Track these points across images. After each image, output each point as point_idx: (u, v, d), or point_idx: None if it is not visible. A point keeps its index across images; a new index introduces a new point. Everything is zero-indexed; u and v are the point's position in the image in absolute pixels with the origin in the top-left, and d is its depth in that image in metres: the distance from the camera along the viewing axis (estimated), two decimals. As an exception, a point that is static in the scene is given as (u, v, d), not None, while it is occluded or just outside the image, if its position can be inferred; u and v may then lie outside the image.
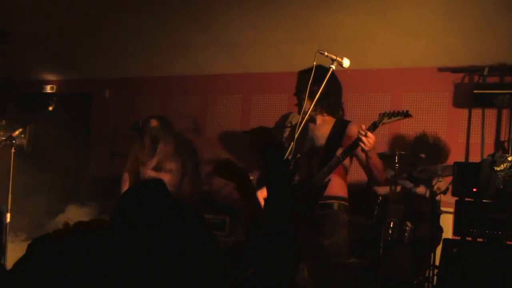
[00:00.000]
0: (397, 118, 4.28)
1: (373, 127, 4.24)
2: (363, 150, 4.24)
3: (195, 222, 2.21)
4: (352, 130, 4.52)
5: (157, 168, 5.92)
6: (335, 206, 4.56)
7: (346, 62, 4.25)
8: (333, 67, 4.20)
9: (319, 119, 4.66)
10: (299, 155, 5.58)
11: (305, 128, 4.60)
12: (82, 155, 8.97)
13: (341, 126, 4.61)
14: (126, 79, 9.21)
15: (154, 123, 5.87)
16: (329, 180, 4.39)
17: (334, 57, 4.20)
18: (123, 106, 9.02)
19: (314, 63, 4.15)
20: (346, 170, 4.68)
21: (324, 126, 4.65)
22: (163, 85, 8.94)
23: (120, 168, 6.38)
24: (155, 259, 2.08)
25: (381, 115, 4.30)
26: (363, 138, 4.18)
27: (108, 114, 9.13)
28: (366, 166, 4.46)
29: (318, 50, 4.16)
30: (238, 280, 2.44)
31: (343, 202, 4.62)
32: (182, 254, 2.10)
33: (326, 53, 4.19)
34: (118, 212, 2.20)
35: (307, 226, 4.37)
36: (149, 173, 5.95)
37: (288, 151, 4.05)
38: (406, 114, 4.28)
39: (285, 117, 7.85)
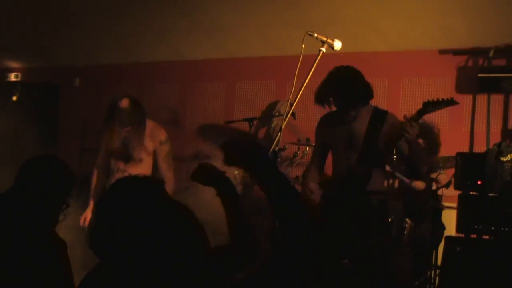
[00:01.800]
0: (442, 106, 4.40)
1: (417, 117, 4.36)
2: (407, 141, 4.36)
3: (186, 221, 2.26)
4: (392, 119, 4.66)
5: (126, 158, 5.89)
6: (375, 201, 4.65)
7: (337, 45, 4.28)
8: (323, 49, 4.21)
9: (353, 111, 4.68)
10: (285, 145, 5.65)
11: (340, 120, 4.74)
12: (48, 150, 8.94)
13: (379, 116, 4.69)
14: (98, 67, 9.18)
15: (125, 103, 5.84)
16: (371, 171, 4.53)
17: (325, 39, 4.22)
18: (94, 96, 8.99)
19: (303, 46, 4.16)
20: (382, 161, 4.79)
21: (361, 117, 4.69)
22: (139, 73, 8.92)
23: (92, 165, 6.36)
24: (142, 261, 2.13)
25: (425, 103, 4.39)
26: (408, 128, 4.29)
27: (78, 105, 9.10)
28: (408, 157, 4.58)
29: (307, 32, 4.18)
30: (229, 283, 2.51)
31: (384, 196, 4.74)
32: (171, 256, 2.16)
33: (315, 35, 4.20)
34: (100, 214, 2.26)
35: (349, 223, 4.49)
36: (119, 165, 5.93)
37: (275, 142, 4.06)
38: (452, 102, 4.38)
39: (272, 106, 7.85)
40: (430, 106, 4.37)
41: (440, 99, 4.38)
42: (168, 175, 5.94)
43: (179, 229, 2.18)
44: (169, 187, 5.89)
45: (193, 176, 2.79)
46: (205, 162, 2.82)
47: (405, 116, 4.40)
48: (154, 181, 2.35)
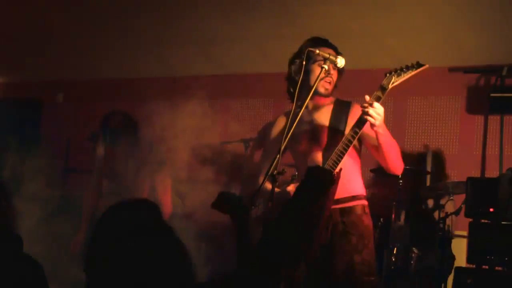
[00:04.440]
0: (408, 73, 4.10)
1: (378, 97, 4.06)
2: (372, 126, 4.01)
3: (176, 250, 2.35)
4: (358, 109, 4.20)
5: (117, 180, 5.90)
6: (358, 209, 4.33)
7: (340, 62, 4.27)
8: (326, 67, 4.21)
9: (311, 103, 4.45)
10: (284, 169, 5.50)
11: (294, 116, 4.32)
12: (30, 170, 8.93)
13: (343, 106, 4.45)
14: (83, 82, 9.20)
15: (118, 120, 5.87)
16: (341, 169, 4.10)
17: (327, 55, 4.21)
18: (79, 114, 9.00)
19: (303, 63, 4.19)
20: (358, 158, 4.43)
21: (321, 108, 4.47)
22: (127, 89, 8.93)
23: (76, 186, 6.36)
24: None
25: (388, 74, 4.13)
26: (370, 110, 3.97)
27: (61, 123, 9.10)
28: (379, 149, 4.18)
29: (308, 48, 4.21)
30: None
31: (364, 202, 4.39)
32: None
33: (317, 51, 4.21)
34: (96, 240, 2.35)
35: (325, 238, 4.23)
36: (112, 187, 5.93)
37: (274, 165, 4.05)
38: (419, 65, 4.10)
39: (269, 126, 7.86)
40: (394, 75, 4.09)
41: (405, 65, 4.10)
42: (164, 198, 5.92)
43: (171, 257, 2.25)
44: (166, 211, 5.88)
45: (214, 205, 3.15)
46: (224, 191, 3.16)
47: (365, 98, 4.05)
48: (150, 205, 2.43)
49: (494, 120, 6.93)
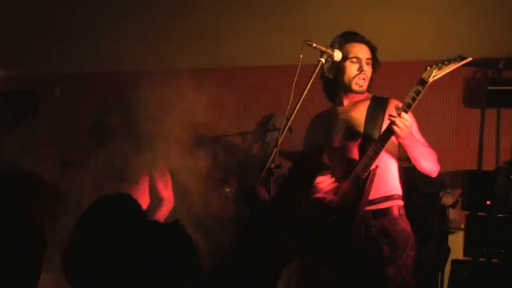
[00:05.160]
0: (450, 66, 3.93)
1: (407, 106, 3.92)
2: (397, 137, 3.93)
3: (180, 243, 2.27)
4: (394, 106, 4.10)
5: (117, 179, 5.85)
6: (393, 211, 4.14)
7: (337, 55, 4.27)
8: (323, 60, 4.20)
9: (346, 100, 4.42)
10: (282, 162, 5.46)
11: (330, 113, 4.47)
12: (27, 164, 8.92)
13: (379, 102, 4.36)
14: (81, 75, 9.18)
15: (116, 120, 5.82)
16: (377, 167, 4.02)
17: (324, 49, 4.20)
18: (77, 107, 8.98)
19: (300, 56, 4.17)
20: (396, 154, 4.28)
21: (357, 105, 4.39)
22: (125, 81, 8.90)
23: (73, 180, 6.34)
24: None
25: (428, 68, 3.97)
26: (397, 120, 3.86)
27: (59, 117, 9.08)
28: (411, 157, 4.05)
29: (305, 41, 4.18)
30: None
31: (399, 202, 4.20)
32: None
33: (314, 44, 4.20)
34: (79, 232, 2.29)
35: (355, 243, 4.04)
36: (107, 185, 5.89)
37: (271, 159, 4.03)
38: (461, 58, 3.92)
39: (267, 119, 7.85)
40: (436, 69, 3.93)
41: (441, 61, 3.94)
42: (165, 194, 5.85)
43: (162, 252, 2.19)
44: (168, 207, 5.81)
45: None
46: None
47: (396, 106, 3.95)
48: (127, 201, 2.36)
49: (491, 113, 6.93)
